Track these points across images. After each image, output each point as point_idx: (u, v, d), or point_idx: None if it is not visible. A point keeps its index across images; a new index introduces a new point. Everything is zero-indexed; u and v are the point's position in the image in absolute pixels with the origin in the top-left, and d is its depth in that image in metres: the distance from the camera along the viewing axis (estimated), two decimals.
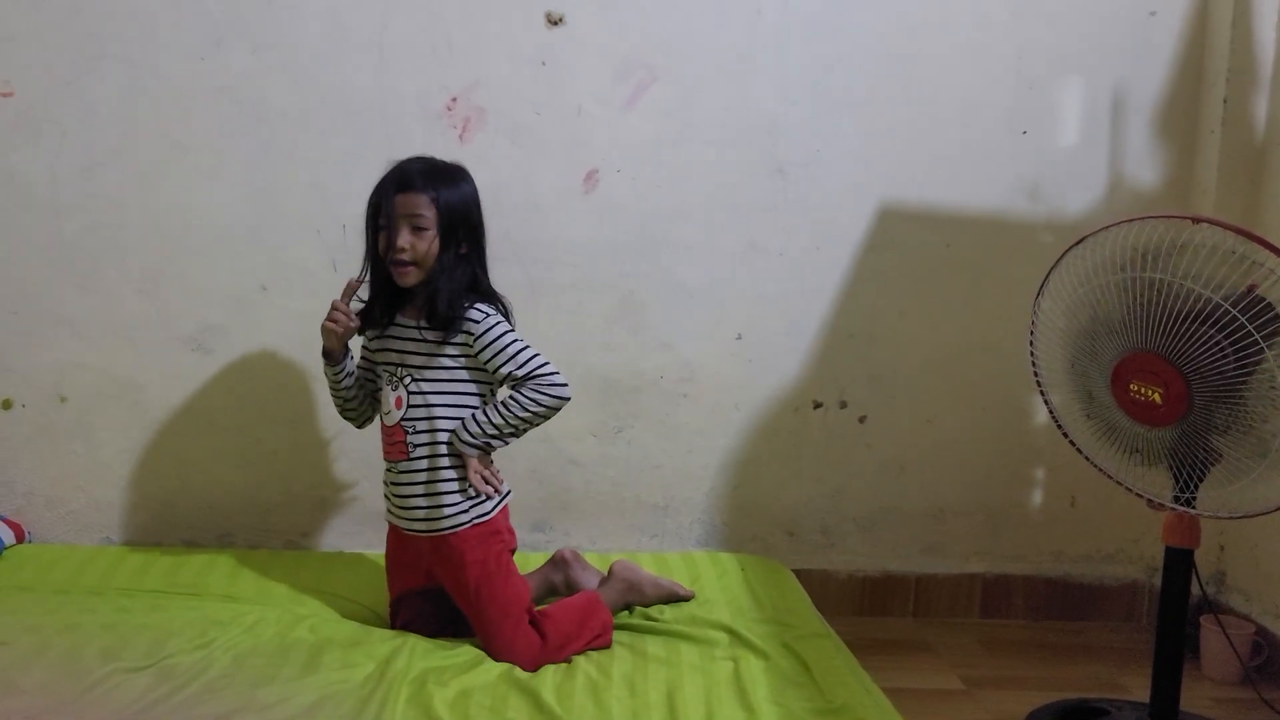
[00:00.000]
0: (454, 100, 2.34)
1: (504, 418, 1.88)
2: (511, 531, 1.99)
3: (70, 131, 2.29)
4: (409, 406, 1.91)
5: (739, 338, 2.46)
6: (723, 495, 2.50)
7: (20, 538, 2.32)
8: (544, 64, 2.34)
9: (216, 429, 2.39)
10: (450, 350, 1.90)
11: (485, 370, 1.90)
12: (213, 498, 2.41)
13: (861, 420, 2.51)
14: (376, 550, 2.20)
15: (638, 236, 2.40)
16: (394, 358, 1.93)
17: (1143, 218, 1.73)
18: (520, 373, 1.88)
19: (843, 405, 2.50)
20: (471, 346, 1.89)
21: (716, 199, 2.41)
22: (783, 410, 2.49)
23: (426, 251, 1.86)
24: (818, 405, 2.50)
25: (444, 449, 1.90)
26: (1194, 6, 2.41)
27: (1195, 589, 1.92)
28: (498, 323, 1.89)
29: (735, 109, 2.38)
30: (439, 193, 1.87)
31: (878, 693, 1.77)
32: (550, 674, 1.79)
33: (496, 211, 2.36)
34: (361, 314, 1.96)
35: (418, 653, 1.83)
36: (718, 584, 2.22)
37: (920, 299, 2.48)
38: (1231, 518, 1.75)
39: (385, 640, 1.89)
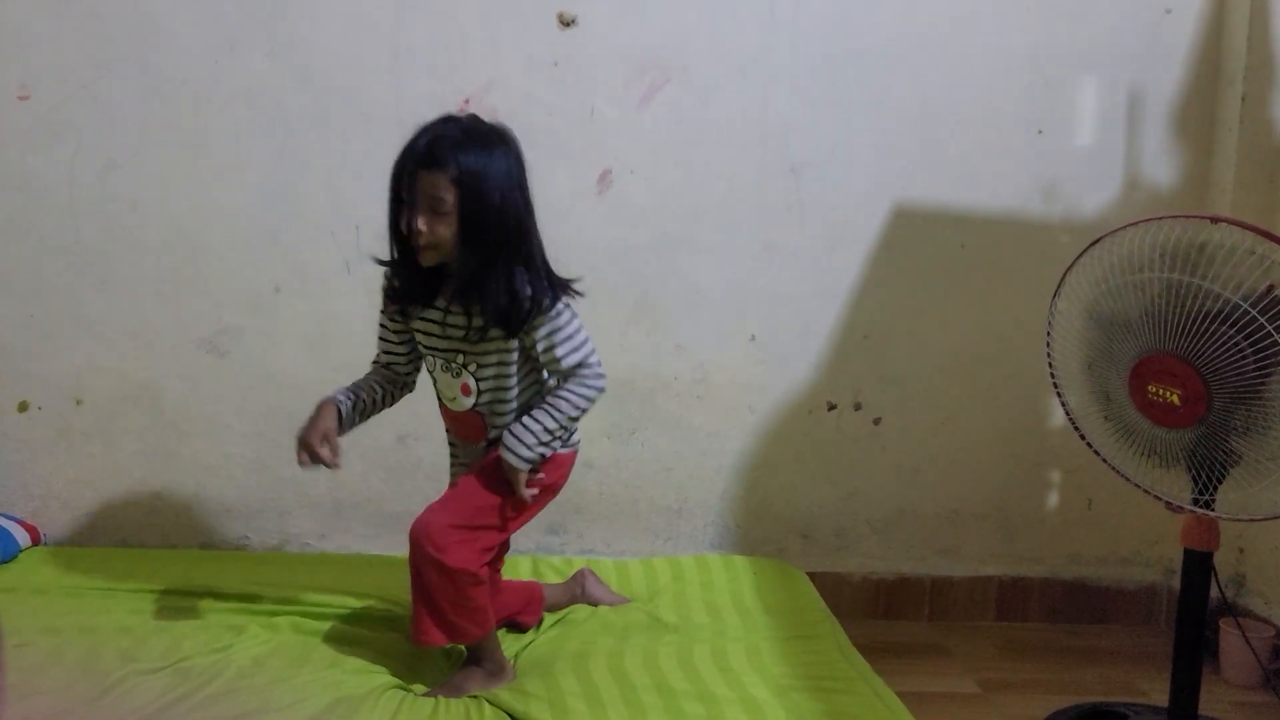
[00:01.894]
0: (467, 102, 2.34)
1: (556, 420, 1.76)
2: (555, 477, 1.87)
3: (87, 135, 2.30)
4: (479, 393, 1.80)
5: (753, 339, 2.45)
6: (736, 498, 2.50)
7: (36, 540, 2.33)
8: (556, 65, 2.34)
9: (232, 431, 2.40)
10: (499, 336, 1.77)
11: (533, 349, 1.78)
12: (229, 500, 2.42)
13: (876, 422, 2.50)
14: (394, 553, 2.21)
15: (652, 238, 2.40)
16: (443, 344, 1.79)
17: (1160, 218, 1.71)
18: (578, 359, 1.76)
19: (857, 407, 2.49)
20: (530, 335, 1.75)
21: (730, 200, 2.40)
22: (797, 412, 2.48)
23: (447, 238, 1.68)
24: (832, 407, 2.49)
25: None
26: (1211, 4, 2.39)
27: (1214, 592, 1.90)
28: (564, 311, 1.76)
29: (749, 109, 2.38)
30: (461, 170, 1.65)
31: (891, 697, 1.77)
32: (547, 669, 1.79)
33: None
34: (393, 292, 1.81)
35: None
36: (729, 588, 2.22)
37: (935, 300, 2.46)
38: (1251, 520, 1.73)
39: (398, 643, 1.89)
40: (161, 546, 2.41)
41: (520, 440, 1.76)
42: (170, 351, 2.37)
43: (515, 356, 1.79)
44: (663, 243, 2.40)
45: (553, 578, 2.25)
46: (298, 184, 2.34)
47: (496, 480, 1.79)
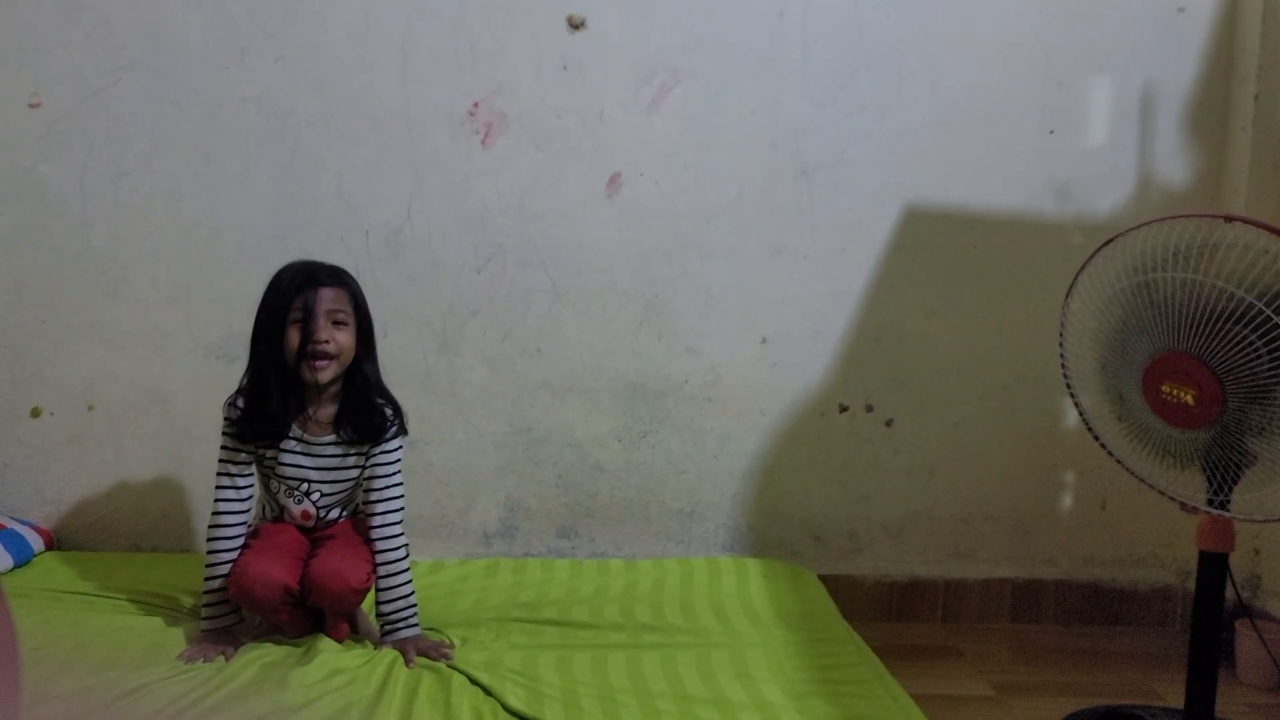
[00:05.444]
0: (476, 106, 2.34)
1: (407, 578, 1.88)
2: None
3: (98, 142, 2.31)
4: (317, 519, 1.95)
5: (764, 341, 2.44)
6: (748, 500, 2.49)
7: (49, 544, 2.34)
8: (566, 68, 2.34)
9: None
10: (356, 459, 1.92)
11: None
12: None
13: (888, 424, 2.49)
14: None
15: (662, 240, 2.40)
16: (294, 471, 1.91)
17: (1173, 217, 1.70)
18: (397, 504, 1.90)
19: (869, 409, 2.48)
20: (370, 455, 1.91)
21: (741, 202, 2.40)
22: (808, 414, 2.47)
23: (347, 347, 1.87)
24: (844, 409, 2.48)
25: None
26: (1223, 3, 2.38)
27: (1230, 593, 1.89)
28: (400, 443, 1.93)
29: (759, 111, 2.37)
30: (352, 289, 1.90)
31: (906, 699, 1.76)
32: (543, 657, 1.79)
33: (520, 216, 2.37)
34: (252, 424, 1.87)
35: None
36: (739, 591, 2.21)
37: (947, 301, 2.46)
38: (1267, 521, 1.72)
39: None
40: (174, 551, 2.42)
41: (403, 618, 1.87)
42: (181, 357, 2.38)
43: (355, 478, 1.94)
44: (673, 245, 2.40)
45: (563, 581, 2.25)
46: (308, 190, 2.35)
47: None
